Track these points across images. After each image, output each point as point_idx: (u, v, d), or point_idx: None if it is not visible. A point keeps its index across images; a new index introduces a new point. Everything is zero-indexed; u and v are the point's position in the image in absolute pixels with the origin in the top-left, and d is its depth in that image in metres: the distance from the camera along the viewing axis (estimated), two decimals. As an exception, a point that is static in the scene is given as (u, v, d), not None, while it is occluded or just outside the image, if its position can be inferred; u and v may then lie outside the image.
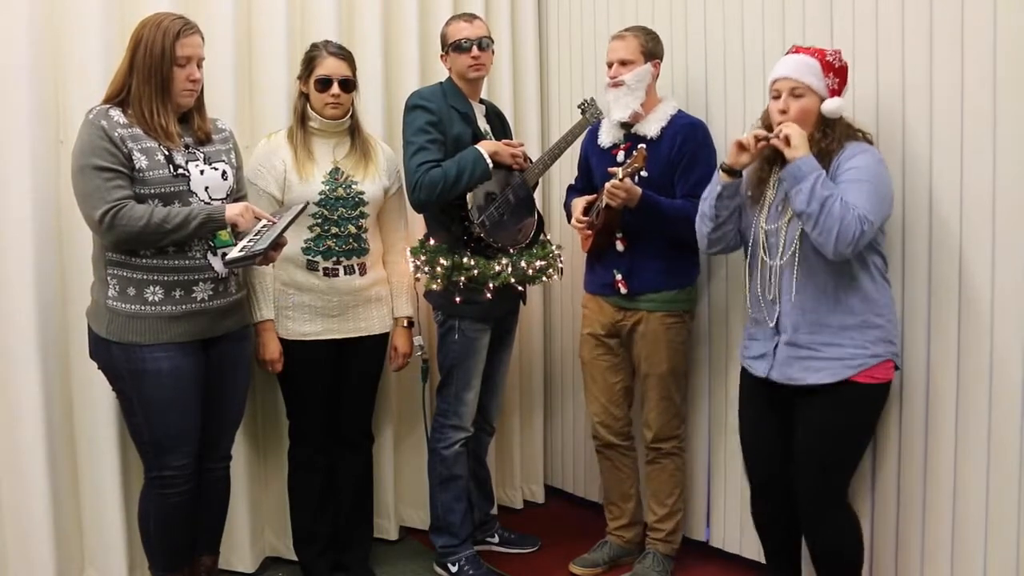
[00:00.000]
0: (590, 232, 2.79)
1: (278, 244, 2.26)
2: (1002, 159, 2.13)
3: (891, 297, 2.25)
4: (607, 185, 2.57)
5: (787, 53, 2.26)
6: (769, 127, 2.25)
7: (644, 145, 2.58)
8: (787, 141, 2.12)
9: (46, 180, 2.45)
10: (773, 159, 2.27)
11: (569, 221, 2.94)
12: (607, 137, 2.83)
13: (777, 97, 2.22)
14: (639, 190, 2.59)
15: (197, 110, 2.34)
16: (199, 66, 2.28)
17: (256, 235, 2.25)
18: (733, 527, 2.93)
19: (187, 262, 2.25)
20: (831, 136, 2.18)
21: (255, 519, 2.93)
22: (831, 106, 2.17)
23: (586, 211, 2.76)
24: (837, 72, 2.20)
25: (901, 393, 2.37)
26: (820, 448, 2.21)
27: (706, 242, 2.41)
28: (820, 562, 2.29)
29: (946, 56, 2.21)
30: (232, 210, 2.25)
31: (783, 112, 2.20)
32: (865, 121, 2.34)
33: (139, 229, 2.13)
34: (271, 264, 2.40)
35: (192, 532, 2.43)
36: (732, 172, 2.27)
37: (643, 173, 2.63)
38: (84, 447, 2.58)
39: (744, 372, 2.42)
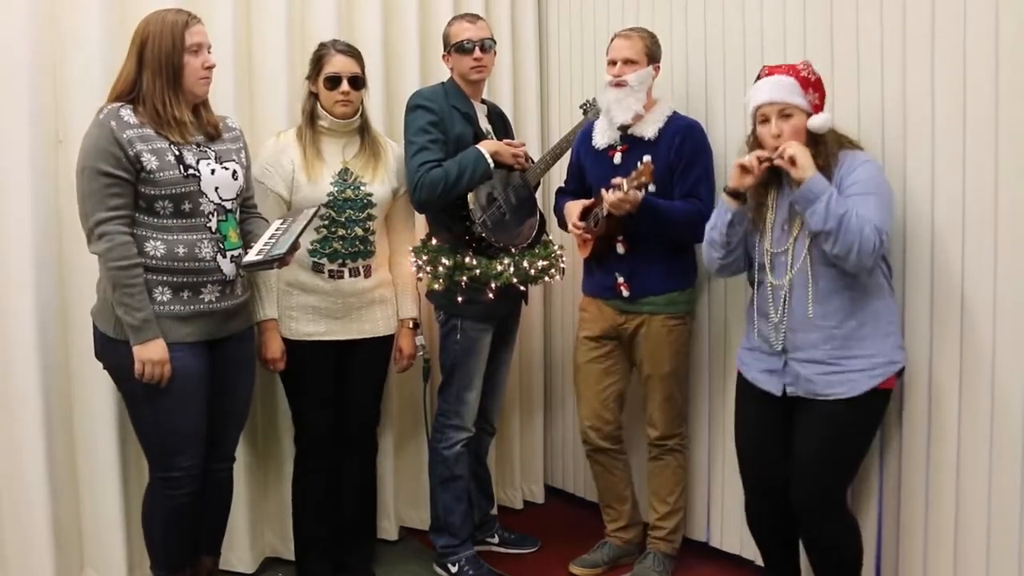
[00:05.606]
0: (589, 237, 2.76)
1: (294, 248, 2.27)
2: (1004, 165, 2.12)
3: (896, 303, 2.26)
4: (611, 198, 2.53)
5: (759, 77, 2.25)
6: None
7: (649, 158, 2.53)
8: (792, 162, 2.11)
9: (46, 180, 2.45)
10: (769, 182, 2.26)
11: (561, 226, 2.91)
12: (602, 138, 2.79)
13: (765, 121, 2.21)
14: (640, 194, 2.55)
15: (203, 104, 2.33)
16: (209, 53, 2.28)
17: (271, 238, 2.24)
18: (733, 527, 2.93)
19: (197, 264, 2.24)
20: (824, 151, 2.18)
21: (255, 519, 2.92)
22: (818, 122, 2.16)
23: (583, 216, 2.75)
24: (815, 86, 2.21)
25: (903, 396, 2.36)
26: (825, 454, 2.21)
27: (717, 267, 2.40)
28: (819, 566, 2.29)
29: (948, 63, 2.20)
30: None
31: (777, 136, 2.18)
32: (869, 129, 2.34)
33: (112, 268, 2.15)
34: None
35: (195, 533, 2.43)
36: (737, 196, 2.25)
37: (651, 188, 2.58)
38: (84, 447, 2.58)
39: (741, 379, 2.41)
